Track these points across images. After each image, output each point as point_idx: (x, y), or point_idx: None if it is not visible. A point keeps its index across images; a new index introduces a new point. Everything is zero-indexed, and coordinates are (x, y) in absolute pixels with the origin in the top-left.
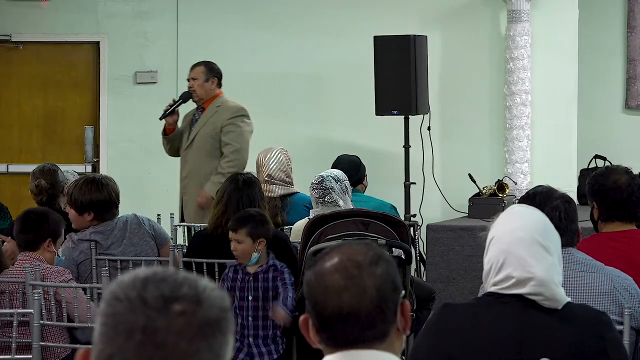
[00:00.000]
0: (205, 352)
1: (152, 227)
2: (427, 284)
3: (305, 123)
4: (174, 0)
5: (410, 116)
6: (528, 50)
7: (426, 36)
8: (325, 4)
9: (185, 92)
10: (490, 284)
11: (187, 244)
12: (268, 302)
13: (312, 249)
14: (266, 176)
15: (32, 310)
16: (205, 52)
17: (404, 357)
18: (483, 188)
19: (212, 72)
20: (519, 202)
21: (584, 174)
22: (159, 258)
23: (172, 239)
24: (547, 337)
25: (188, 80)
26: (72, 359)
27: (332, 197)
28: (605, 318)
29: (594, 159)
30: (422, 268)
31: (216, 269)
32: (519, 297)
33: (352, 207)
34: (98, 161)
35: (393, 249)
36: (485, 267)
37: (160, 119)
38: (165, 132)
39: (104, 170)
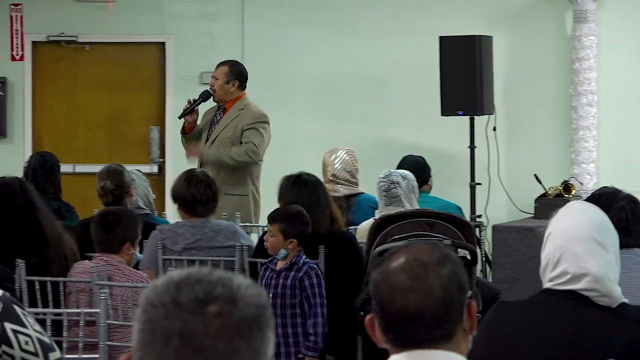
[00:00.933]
0: (245, 351)
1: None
2: (492, 285)
3: (370, 123)
4: (239, 1)
5: (475, 116)
6: (594, 51)
7: (492, 36)
8: (391, 5)
9: (205, 90)
10: (546, 280)
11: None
12: (287, 300)
13: (377, 249)
14: (331, 176)
15: (98, 310)
16: (270, 53)
17: None
18: (549, 189)
19: (234, 74)
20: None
21: None
22: (225, 258)
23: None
24: (602, 335)
25: (212, 77)
26: None
27: (396, 191)
28: None
29: None
30: (488, 269)
31: None
32: (574, 293)
33: (417, 207)
34: (164, 161)
35: (458, 249)
36: (542, 262)
37: (180, 117)
38: (184, 131)
39: (169, 170)
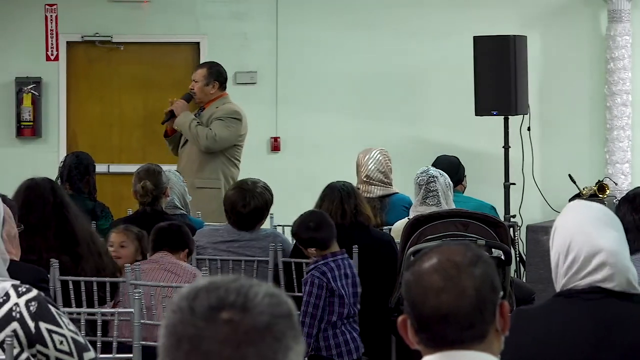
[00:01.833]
0: (254, 358)
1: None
2: (526, 285)
3: (404, 123)
4: (273, 2)
5: (509, 116)
6: (629, 50)
7: (526, 36)
8: (425, 5)
9: (187, 93)
10: (561, 275)
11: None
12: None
13: (411, 249)
14: (364, 177)
15: (132, 310)
16: (304, 53)
17: None
18: (583, 189)
19: (213, 76)
20: (619, 204)
21: None
22: (258, 258)
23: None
24: (625, 327)
25: (192, 80)
26: None
27: (435, 185)
28: None
29: None
30: (522, 269)
31: None
32: (591, 292)
33: (453, 206)
34: None
35: (493, 249)
36: (553, 259)
37: (163, 123)
38: (167, 134)
39: None
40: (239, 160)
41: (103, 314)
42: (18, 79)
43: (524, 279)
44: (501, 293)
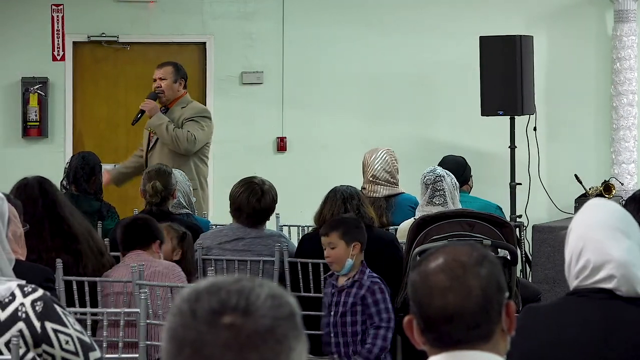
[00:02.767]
0: None
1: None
2: (532, 285)
3: (410, 123)
4: (279, 1)
5: (516, 116)
6: (635, 50)
7: (532, 36)
8: (431, 5)
9: (152, 93)
10: (573, 277)
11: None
12: (349, 318)
13: (417, 249)
14: (371, 177)
15: (138, 310)
16: (310, 52)
17: None
18: (589, 189)
19: (179, 73)
20: (625, 204)
21: None
22: (264, 258)
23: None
24: (633, 332)
25: (155, 80)
26: None
27: (442, 184)
28: None
29: None
30: (528, 269)
31: (321, 268)
32: (601, 292)
33: (458, 207)
34: None
35: (499, 249)
36: (567, 258)
37: (133, 124)
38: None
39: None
40: (208, 158)
41: (108, 314)
42: (24, 79)
43: (530, 279)
44: (507, 293)
